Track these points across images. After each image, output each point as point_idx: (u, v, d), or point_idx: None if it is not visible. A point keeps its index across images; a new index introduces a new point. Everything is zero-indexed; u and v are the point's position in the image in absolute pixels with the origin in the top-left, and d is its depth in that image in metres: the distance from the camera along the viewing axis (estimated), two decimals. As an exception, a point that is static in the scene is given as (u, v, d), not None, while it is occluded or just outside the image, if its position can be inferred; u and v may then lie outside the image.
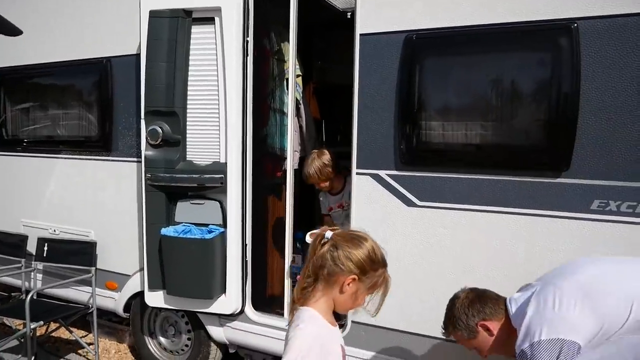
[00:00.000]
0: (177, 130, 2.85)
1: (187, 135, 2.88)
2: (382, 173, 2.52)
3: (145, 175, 2.90)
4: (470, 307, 1.83)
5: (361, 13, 2.50)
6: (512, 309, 1.76)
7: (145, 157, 2.89)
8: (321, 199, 3.21)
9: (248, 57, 2.79)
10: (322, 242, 1.41)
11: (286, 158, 3.05)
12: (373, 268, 1.40)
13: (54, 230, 3.73)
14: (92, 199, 3.53)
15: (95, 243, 3.49)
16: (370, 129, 2.52)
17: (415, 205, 2.46)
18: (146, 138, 2.87)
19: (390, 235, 2.51)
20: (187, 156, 2.90)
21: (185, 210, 2.93)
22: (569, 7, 2.06)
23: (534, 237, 2.22)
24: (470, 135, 2.33)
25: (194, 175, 2.84)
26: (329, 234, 1.41)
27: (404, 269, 2.48)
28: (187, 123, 2.87)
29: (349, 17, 3.53)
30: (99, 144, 3.43)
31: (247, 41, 2.78)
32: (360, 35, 2.52)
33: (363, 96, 2.52)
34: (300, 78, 3.04)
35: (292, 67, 2.76)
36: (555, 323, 1.56)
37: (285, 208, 2.86)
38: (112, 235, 3.47)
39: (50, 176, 3.75)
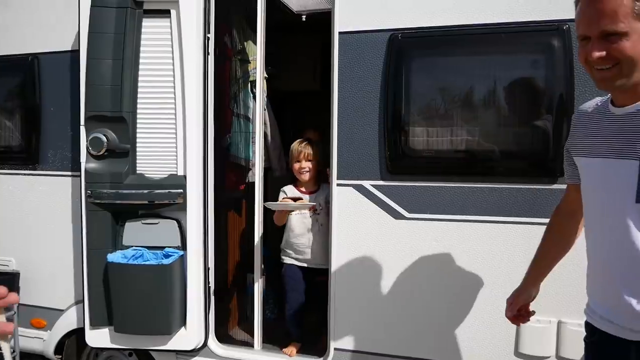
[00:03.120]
0: (125, 138, 2.45)
1: (138, 145, 2.49)
2: (366, 184, 2.30)
3: (85, 192, 2.46)
4: None
5: (340, 9, 2.29)
6: None
7: (85, 170, 2.45)
8: (284, 194, 2.69)
9: (209, 56, 2.47)
10: None
11: (250, 169, 2.76)
12: None
13: (-36, 260, 3.10)
14: (13, 221, 2.97)
15: (18, 274, 2.93)
16: (351, 135, 2.30)
17: (403, 217, 2.26)
18: (87, 148, 2.43)
19: (377, 251, 2.30)
20: (138, 169, 2.50)
21: (135, 232, 2.51)
22: (561, 9, 1.99)
23: (534, 247, 2.10)
24: (461, 141, 2.18)
25: (146, 191, 2.45)
26: None
27: (392, 286, 2.27)
28: (138, 130, 2.48)
29: (303, 19, 3.33)
30: (22, 155, 2.90)
31: (208, 38, 2.47)
32: (340, 33, 2.30)
33: (343, 100, 2.30)
34: (265, 81, 2.75)
35: (260, 66, 2.48)
36: None
37: (253, 224, 2.55)
38: (40, 264, 2.93)
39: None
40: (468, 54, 2.16)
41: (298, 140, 2.70)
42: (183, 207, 2.46)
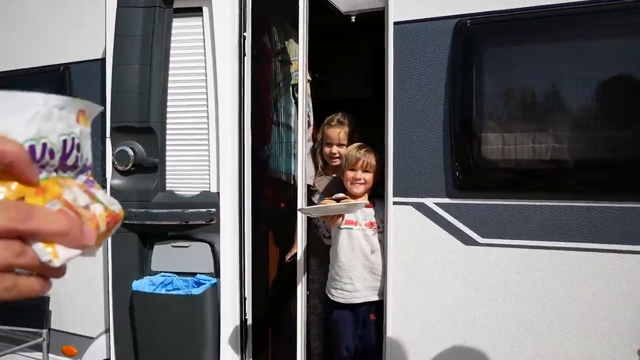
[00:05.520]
0: (154, 151, 2.20)
1: (167, 158, 2.23)
2: (429, 202, 1.91)
3: (111, 211, 2.21)
4: None
5: (396, -5, 1.94)
6: None
7: (111, 187, 2.22)
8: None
9: (245, 58, 2.19)
10: None
11: (292, 184, 2.43)
12: None
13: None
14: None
15: (48, 298, 2.74)
16: (410, 144, 1.93)
17: (476, 243, 1.85)
18: (113, 162, 2.20)
19: (442, 284, 1.90)
20: (167, 185, 2.24)
21: (164, 256, 2.25)
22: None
23: (651, 286, 1.63)
24: (551, 148, 1.75)
25: (177, 210, 2.18)
26: None
27: (462, 329, 1.86)
28: (167, 142, 2.23)
29: (353, 21, 3.00)
30: (54, 172, 2.72)
31: (244, 37, 2.18)
32: (395, 24, 1.95)
33: (400, 103, 1.94)
34: (309, 85, 2.43)
35: (303, 67, 2.16)
36: None
37: (295, 248, 2.22)
38: (71, 288, 2.73)
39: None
40: (558, 40, 1.74)
41: (356, 145, 2.19)
42: (216, 228, 2.17)
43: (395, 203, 1.96)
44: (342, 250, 2.11)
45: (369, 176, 2.14)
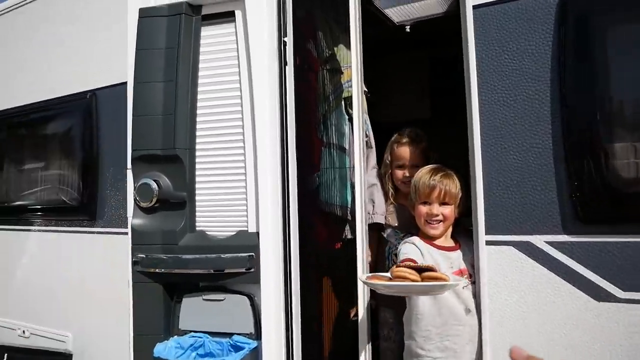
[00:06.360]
0: (181, 184, 1.84)
1: (197, 193, 1.86)
2: (538, 240, 1.40)
3: (131, 257, 1.85)
4: None
5: (474, -29, 1.49)
6: None
7: (132, 227, 1.86)
8: (408, 249, 1.60)
9: (287, 67, 1.80)
10: None
11: (349, 220, 1.98)
12: None
13: (23, 332, 2.68)
14: (71, 289, 2.49)
15: (71, 356, 2.40)
16: (506, 163, 1.44)
17: (613, 298, 1.30)
18: (134, 198, 1.85)
19: (562, 357, 1.35)
20: (197, 224, 1.86)
21: (194, 312, 1.84)
22: None
23: None
24: None
25: (209, 256, 1.78)
26: None
27: None
28: (197, 173, 1.86)
29: (407, 30, 2.56)
30: (80, 209, 2.42)
31: (285, 43, 1.80)
32: (475, 7, 1.50)
33: (489, 108, 1.46)
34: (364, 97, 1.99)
35: (357, 75, 1.74)
36: None
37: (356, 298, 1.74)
38: (97, 343, 2.38)
39: (22, 254, 2.76)
40: None
41: (428, 169, 1.65)
42: (256, 278, 1.74)
43: (489, 243, 1.46)
44: (425, 316, 1.55)
45: (448, 210, 1.60)
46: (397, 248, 1.79)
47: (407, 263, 1.38)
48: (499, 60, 1.46)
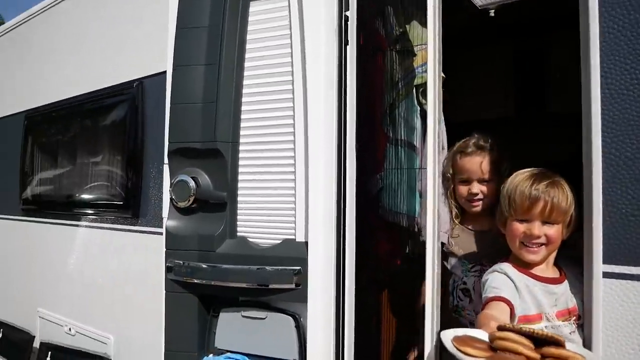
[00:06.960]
0: (222, 183, 1.60)
1: (239, 193, 1.62)
2: (684, 278, 1.01)
3: (165, 262, 1.65)
4: None
5: None
6: None
7: (167, 229, 1.66)
8: (501, 273, 1.25)
9: (348, 47, 1.51)
10: None
11: (418, 231, 1.66)
12: None
13: (70, 329, 2.60)
14: (115, 290, 2.36)
15: (109, 360, 2.27)
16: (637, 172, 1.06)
17: None
18: (170, 196, 1.64)
19: None
20: (239, 230, 1.62)
21: (233, 329, 1.61)
22: None
23: None
24: None
25: (251, 267, 1.54)
26: None
27: None
28: (240, 171, 1.62)
29: (491, 15, 2.16)
30: (124, 205, 2.28)
31: (347, 18, 1.51)
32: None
33: (619, 99, 1.10)
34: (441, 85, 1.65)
35: (434, 58, 1.41)
36: None
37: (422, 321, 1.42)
38: (135, 350, 2.23)
39: (71, 250, 2.69)
40: None
41: (528, 174, 1.27)
42: (302, 296, 1.47)
43: (607, 275, 1.09)
44: None
45: (554, 230, 1.21)
46: (463, 282, 1.51)
47: (518, 326, 0.97)
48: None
